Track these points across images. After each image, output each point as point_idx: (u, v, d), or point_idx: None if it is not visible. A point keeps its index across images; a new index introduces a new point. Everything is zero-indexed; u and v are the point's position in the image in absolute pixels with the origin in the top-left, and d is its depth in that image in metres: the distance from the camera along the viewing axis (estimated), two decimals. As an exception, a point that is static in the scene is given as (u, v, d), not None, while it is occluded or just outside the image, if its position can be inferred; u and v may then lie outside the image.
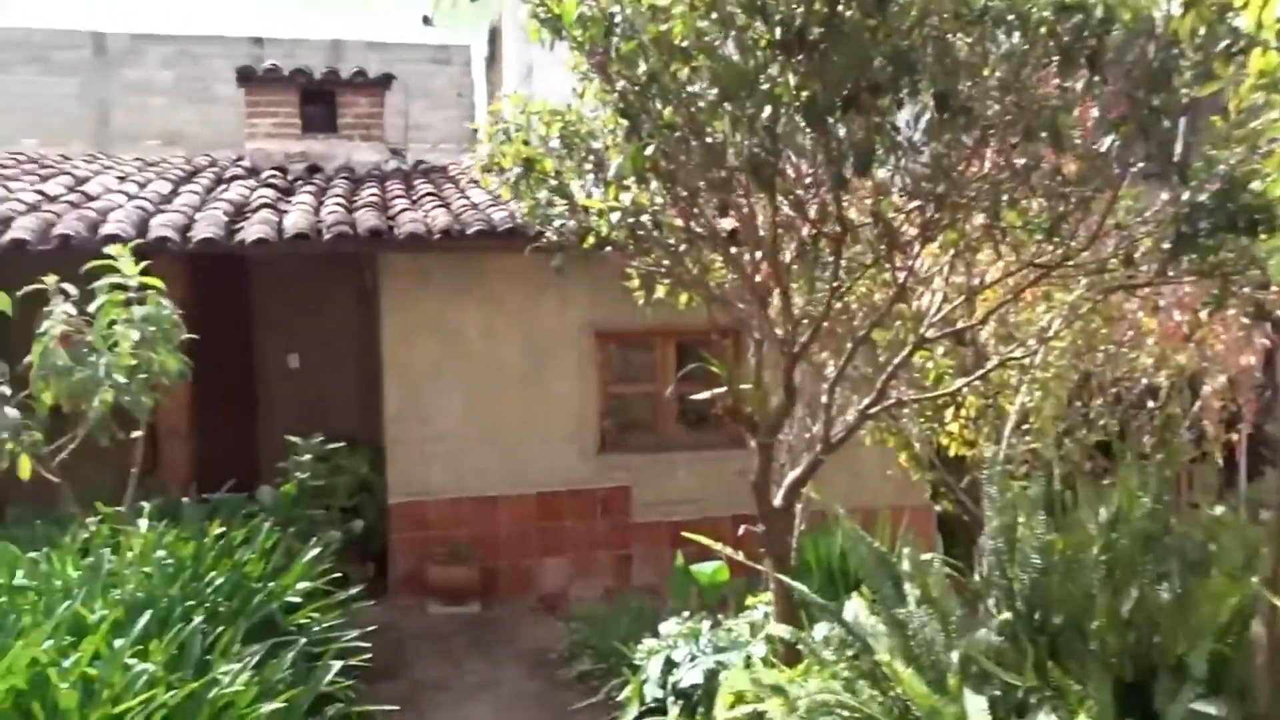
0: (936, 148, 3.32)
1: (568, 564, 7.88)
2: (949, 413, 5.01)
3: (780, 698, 3.41)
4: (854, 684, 3.33)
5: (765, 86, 3.09)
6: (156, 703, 3.38)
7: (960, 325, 4.30)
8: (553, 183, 4.09)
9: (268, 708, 3.67)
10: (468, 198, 8.00)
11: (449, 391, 7.59)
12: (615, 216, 3.71)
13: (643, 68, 3.18)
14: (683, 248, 4.06)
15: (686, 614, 5.39)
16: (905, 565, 3.54)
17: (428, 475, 7.57)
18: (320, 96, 9.54)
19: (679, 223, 3.91)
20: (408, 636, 6.74)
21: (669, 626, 5.24)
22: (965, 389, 4.63)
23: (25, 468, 4.44)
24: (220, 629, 4.10)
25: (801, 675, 3.65)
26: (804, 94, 3.02)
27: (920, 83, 3.03)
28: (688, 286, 4.32)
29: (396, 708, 5.11)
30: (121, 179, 8.32)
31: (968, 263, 4.33)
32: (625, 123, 3.39)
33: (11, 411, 4.24)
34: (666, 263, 4.19)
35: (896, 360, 4.06)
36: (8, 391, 4.30)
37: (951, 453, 5.13)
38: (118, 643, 3.65)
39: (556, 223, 4.24)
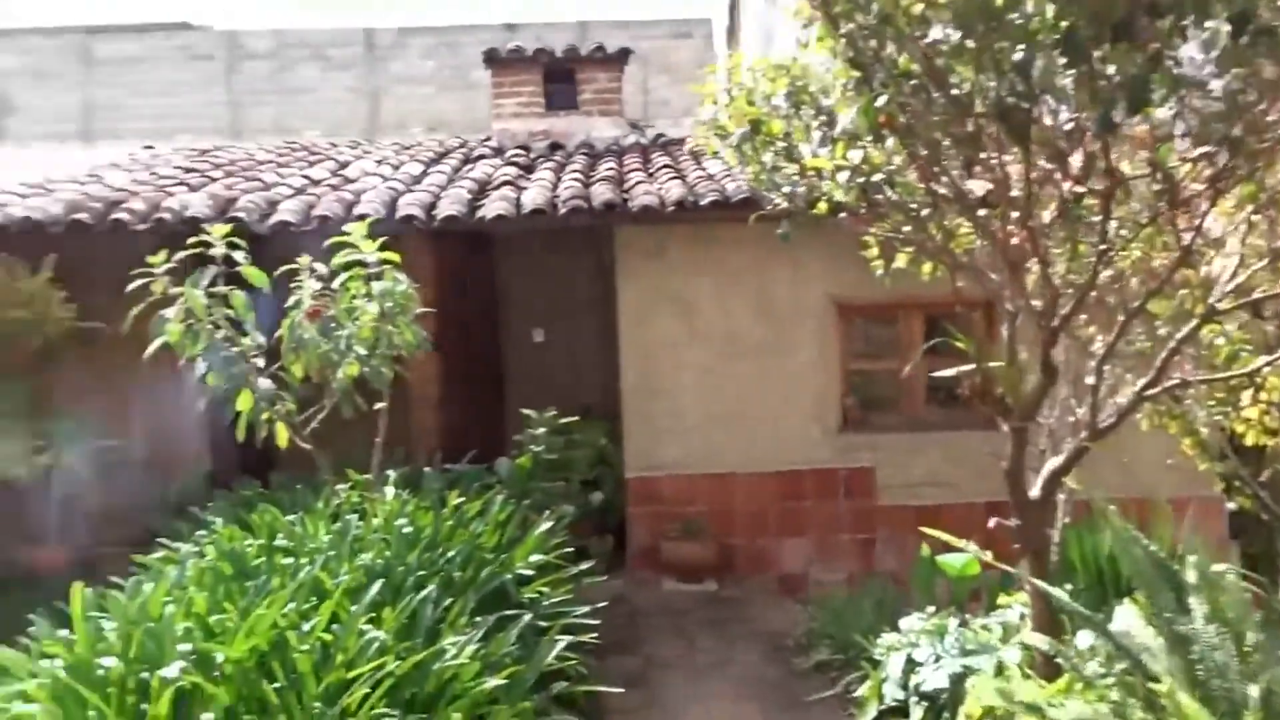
0: (1230, 82, 2.78)
1: (807, 545, 7.60)
2: (1245, 395, 4.33)
3: (1036, 717, 3.02)
4: (1124, 708, 2.89)
5: (1017, 20, 2.69)
6: (385, 670, 3.43)
7: (1260, 294, 3.66)
8: (779, 145, 3.81)
9: (491, 682, 3.66)
10: (704, 169, 7.84)
11: (684, 365, 7.49)
12: (844, 177, 3.39)
13: (873, 8, 2.84)
14: (924, 211, 3.68)
15: (931, 609, 5.00)
16: (1191, 574, 3.04)
17: (663, 450, 7.52)
18: (561, 74, 9.67)
19: (919, 183, 3.54)
20: (642, 612, 6.71)
21: (912, 621, 4.87)
22: (1266, 369, 3.96)
23: (282, 435, 4.67)
24: (451, 600, 4.16)
25: (1061, 692, 3.23)
26: (1063, 25, 2.59)
27: (1210, 4, 2.52)
28: (930, 255, 3.93)
29: (624, 688, 5.02)
30: (379, 163, 8.76)
31: (1270, 220, 3.68)
32: (855, 73, 3.07)
33: (265, 382, 4.47)
34: (907, 228, 3.83)
35: (1180, 335, 3.51)
36: (261, 364, 4.54)
37: (1248, 441, 4.44)
38: (353, 608, 3.76)
39: (785, 188, 3.96)
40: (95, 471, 7.31)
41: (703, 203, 6.87)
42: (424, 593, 4.02)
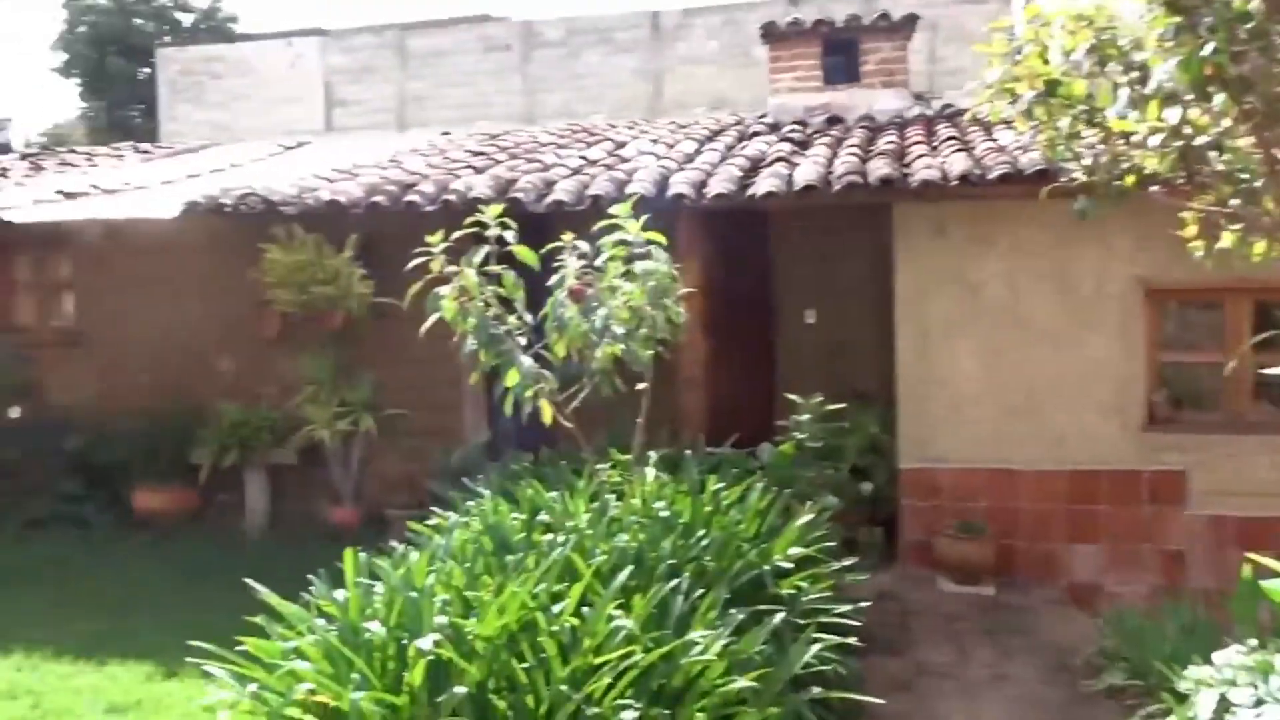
0: None
1: (1101, 554, 6.90)
2: None
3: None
4: None
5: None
6: (631, 660, 3.36)
7: None
8: (1079, 107, 3.35)
9: (740, 683, 3.49)
10: (994, 140, 7.24)
11: (966, 351, 7.00)
12: (1157, 141, 2.91)
13: (1202, -64, 2.39)
14: (1258, 181, 3.11)
15: (1254, 641, 4.32)
16: None
17: (940, 440, 7.07)
18: (841, 46, 9.29)
19: (1254, 148, 2.99)
20: (911, 612, 6.34)
21: (1228, 654, 4.22)
22: None
23: (547, 412, 4.72)
24: (703, 590, 4.03)
25: None
26: None
27: None
28: (1265, 232, 3.33)
29: (888, 695, 4.71)
30: (654, 141, 8.79)
31: None
32: (1176, 19, 2.61)
33: (527, 360, 4.53)
34: (1235, 202, 3.26)
35: None
36: (524, 342, 4.60)
37: None
38: (604, 592, 3.71)
39: (1084, 157, 3.49)
40: (388, 437, 7.85)
41: (990, 176, 6.34)
42: (675, 581, 3.92)
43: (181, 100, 16.35)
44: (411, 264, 4.66)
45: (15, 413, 8.64)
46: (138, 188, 9.28)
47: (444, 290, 4.57)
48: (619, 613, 3.61)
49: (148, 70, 18.83)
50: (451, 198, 7.13)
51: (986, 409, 7.00)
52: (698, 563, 4.32)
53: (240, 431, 7.87)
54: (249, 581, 3.95)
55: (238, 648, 3.60)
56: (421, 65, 15.84)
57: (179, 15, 21.88)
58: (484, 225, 4.70)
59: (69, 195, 9.00)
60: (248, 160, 10.56)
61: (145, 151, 12.12)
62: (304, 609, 3.81)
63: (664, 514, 4.63)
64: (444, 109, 15.25)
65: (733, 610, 3.98)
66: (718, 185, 6.80)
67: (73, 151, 13.05)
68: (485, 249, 4.64)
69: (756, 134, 8.74)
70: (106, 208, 8.46)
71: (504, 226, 4.67)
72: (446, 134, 11.15)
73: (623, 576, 3.80)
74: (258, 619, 3.77)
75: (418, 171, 8.12)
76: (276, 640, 3.59)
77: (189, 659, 3.84)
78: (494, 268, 4.63)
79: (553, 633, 3.43)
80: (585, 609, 3.62)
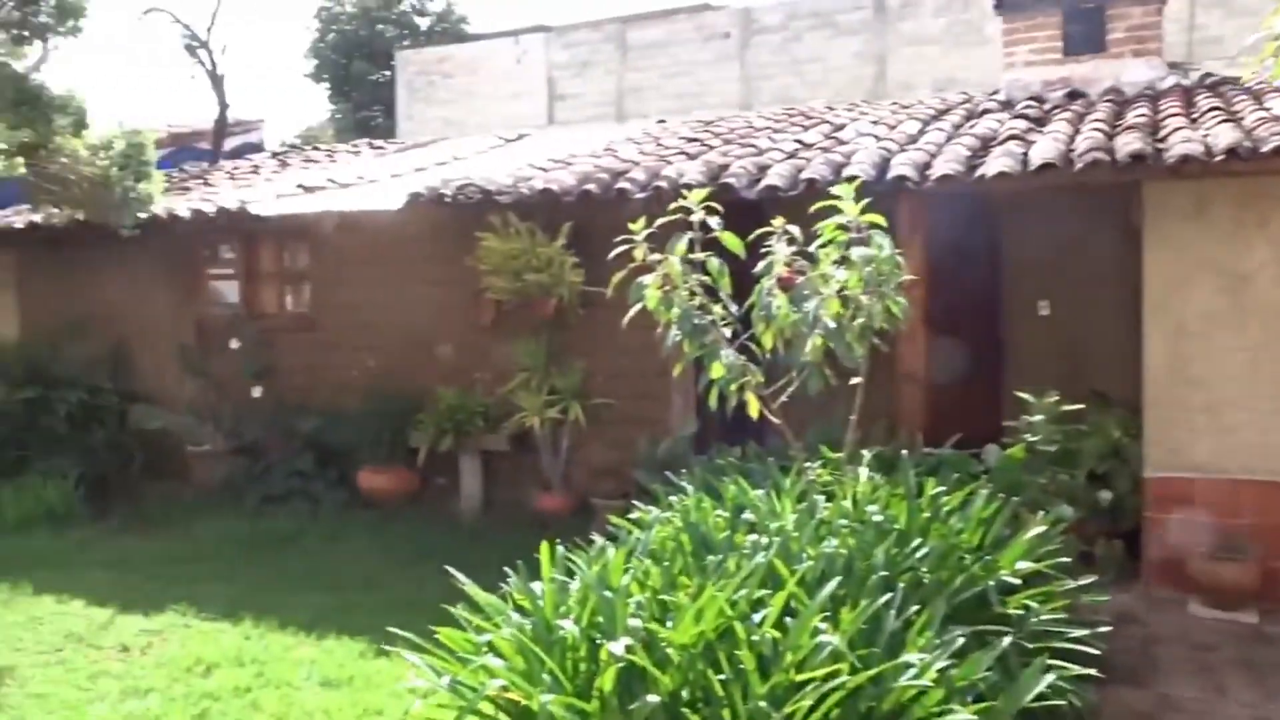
0: None
1: (1394, 583, 5.99)
2: None
3: None
4: None
5: None
6: (837, 680, 3.08)
7: None
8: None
9: (960, 715, 3.14)
10: (1267, 109, 6.40)
11: (1228, 349, 6.22)
12: None
13: None
14: None
15: None
16: None
17: (1195, 448, 6.32)
18: (1085, 14, 8.50)
19: None
20: (1156, 639, 5.69)
21: None
22: None
23: (754, 406, 4.51)
24: (919, 605, 3.69)
25: None
26: None
27: None
28: None
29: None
30: (874, 123, 8.36)
31: None
32: None
33: (729, 353, 4.31)
34: None
35: None
36: (728, 334, 4.39)
37: None
38: (809, 602, 3.45)
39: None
40: (595, 426, 7.83)
41: (1264, 149, 5.58)
42: (888, 595, 3.60)
43: (417, 99, 17.12)
44: (615, 251, 4.55)
45: (258, 393, 9.24)
46: (369, 181, 9.72)
47: (647, 279, 4.43)
48: (825, 626, 3.34)
49: (388, 73, 19.85)
50: (662, 184, 7.00)
51: (1252, 414, 6.20)
52: (913, 574, 3.98)
53: (455, 416, 8.06)
54: (450, 570, 3.95)
55: (434, 637, 3.59)
56: (640, 57, 15.90)
57: (417, 19, 22.97)
58: (689, 211, 4.52)
59: (307, 189, 9.54)
60: (470, 153, 10.87)
61: (379, 148, 12.74)
62: (501, 600, 3.76)
63: (877, 519, 4.32)
64: (662, 99, 15.24)
65: (952, 629, 3.62)
66: (943, 166, 6.34)
67: (315, 149, 13.93)
68: (689, 235, 4.46)
69: (987, 112, 8.14)
70: (339, 200, 8.89)
71: (710, 212, 4.47)
72: (662, 122, 11.09)
73: (830, 586, 3.52)
74: (458, 607, 3.76)
75: (630, 159, 8.06)
76: (471, 632, 3.55)
77: (392, 643, 3.88)
78: (699, 255, 4.45)
79: (752, 644, 3.21)
80: (788, 620, 3.37)
